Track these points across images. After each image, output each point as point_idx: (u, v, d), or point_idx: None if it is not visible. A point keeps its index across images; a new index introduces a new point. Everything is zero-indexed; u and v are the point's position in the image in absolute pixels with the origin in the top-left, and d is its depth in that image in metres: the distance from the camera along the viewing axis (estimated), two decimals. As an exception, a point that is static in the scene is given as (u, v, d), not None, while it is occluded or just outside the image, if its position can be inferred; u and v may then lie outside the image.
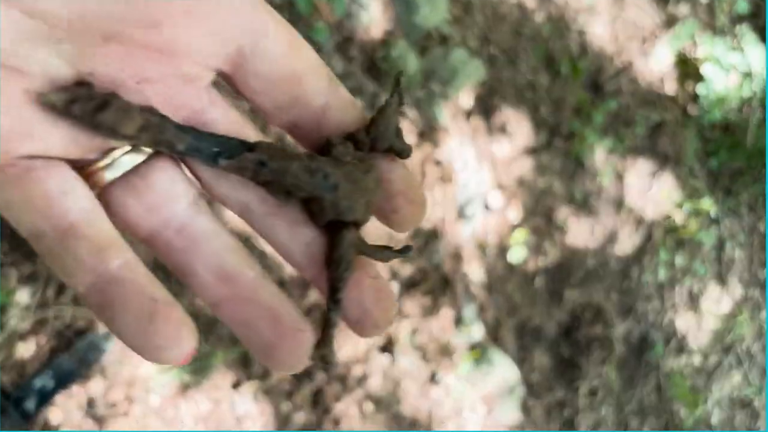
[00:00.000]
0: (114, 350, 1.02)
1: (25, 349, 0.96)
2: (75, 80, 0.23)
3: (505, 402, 1.52)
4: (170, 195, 0.25)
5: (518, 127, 1.59)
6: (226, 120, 0.26)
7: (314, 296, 1.23)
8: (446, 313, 1.43)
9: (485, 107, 1.55)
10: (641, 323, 1.91)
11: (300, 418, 1.23)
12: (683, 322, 2.03)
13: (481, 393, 1.48)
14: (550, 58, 1.68)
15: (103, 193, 0.25)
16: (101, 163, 0.25)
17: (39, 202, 0.23)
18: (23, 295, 0.96)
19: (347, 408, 1.28)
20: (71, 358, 0.98)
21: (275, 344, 0.25)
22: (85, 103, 0.22)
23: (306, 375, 1.23)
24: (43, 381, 0.97)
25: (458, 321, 1.45)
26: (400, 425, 1.37)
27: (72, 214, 0.23)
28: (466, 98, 1.50)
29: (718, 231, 2.04)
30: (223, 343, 1.12)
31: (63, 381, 0.98)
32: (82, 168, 0.25)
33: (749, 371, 2.27)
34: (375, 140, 0.27)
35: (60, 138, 0.24)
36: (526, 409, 1.63)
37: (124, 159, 0.25)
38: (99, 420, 1.01)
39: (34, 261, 0.96)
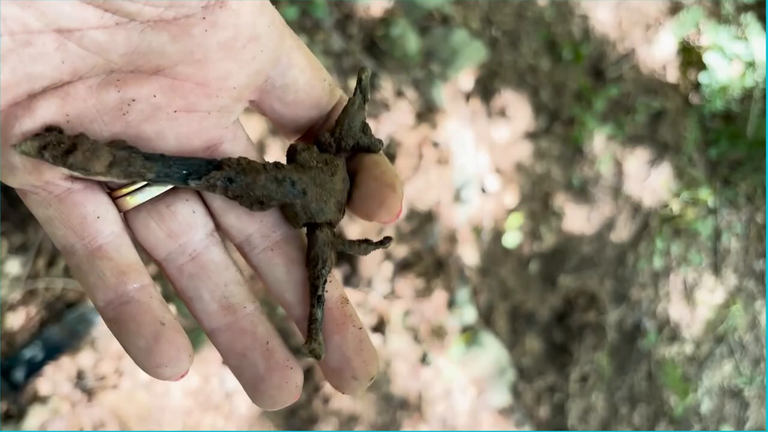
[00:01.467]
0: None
1: (15, 320, 0.96)
2: (45, 126, 0.25)
3: (495, 385, 1.52)
4: (190, 224, 0.28)
5: (518, 111, 1.58)
6: (240, 153, 0.28)
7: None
8: (439, 296, 1.43)
9: (485, 90, 1.54)
10: (635, 311, 1.92)
11: (290, 395, 1.23)
12: (677, 310, 2.03)
13: (472, 375, 1.49)
14: (553, 43, 1.66)
15: (130, 215, 0.27)
16: (132, 188, 0.27)
17: (75, 222, 0.26)
18: (14, 266, 0.95)
19: (337, 387, 1.29)
20: (61, 329, 0.98)
21: (265, 377, 0.27)
22: (54, 148, 0.24)
23: (296, 353, 1.23)
24: (33, 352, 0.97)
25: (451, 303, 1.44)
26: (390, 405, 1.37)
27: (102, 236, 0.26)
28: (465, 80, 1.49)
29: (715, 221, 2.04)
30: (214, 319, 1.12)
31: (52, 352, 0.98)
32: (114, 190, 0.27)
33: (740, 361, 2.27)
34: (339, 140, 0.29)
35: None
36: (516, 392, 1.64)
37: (153, 187, 0.27)
38: (88, 392, 1.01)
39: (26, 231, 0.95)
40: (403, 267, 1.39)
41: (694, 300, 2.07)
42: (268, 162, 0.28)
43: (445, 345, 1.43)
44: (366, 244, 0.29)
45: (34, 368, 0.97)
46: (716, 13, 1.89)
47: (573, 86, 1.68)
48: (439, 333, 1.42)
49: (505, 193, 1.55)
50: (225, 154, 0.28)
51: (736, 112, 1.91)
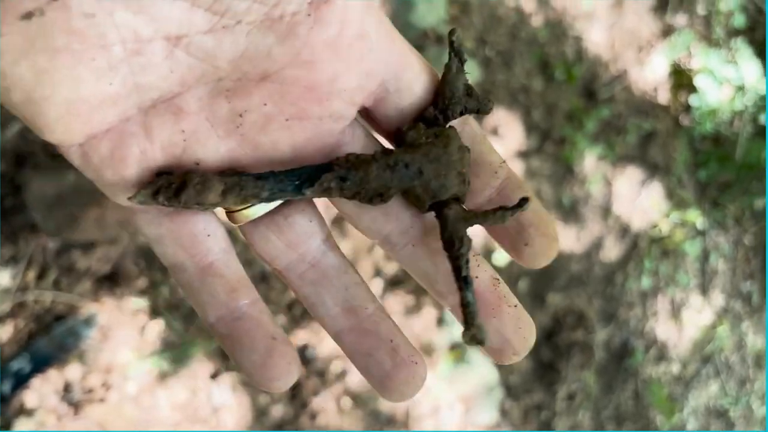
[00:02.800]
0: (94, 336, 1.02)
1: (3, 332, 0.96)
2: (157, 170, 0.25)
3: (482, 402, 1.53)
4: (308, 233, 0.28)
5: (510, 130, 1.60)
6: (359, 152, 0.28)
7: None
8: (429, 312, 1.43)
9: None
10: (622, 330, 1.93)
11: (277, 411, 1.23)
12: (664, 330, 2.04)
13: (460, 393, 1.49)
14: (546, 63, 1.68)
15: (247, 228, 0.28)
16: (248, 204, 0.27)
17: (186, 240, 0.26)
18: (4, 278, 0.95)
19: (325, 403, 1.29)
20: (49, 342, 0.98)
21: (392, 374, 0.27)
22: (166, 191, 0.24)
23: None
24: (20, 364, 0.96)
25: (440, 320, 1.45)
26: (377, 422, 1.37)
27: (212, 254, 0.27)
28: (459, 99, 1.50)
29: (703, 242, 2.06)
30: (203, 333, 1.12)
31: (40, 365, 0.98)
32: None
33: (726, 382, 2.29)
34: (445, 110, 0.27)
35: (219, 159, 0.26)
36: (503, 410, 1.64)
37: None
38: (75, 405, 1.01)
39: (16, 243, 0.96)
40: (392, 284, 1.40)
41: (681, 320, 2.08)
42: (376, 151, 0.27)
43: (433, 362, 1.44)
44: (503, 212, 0.27)
45: (21, 380, 0.97)
46: (707, 37, 1.91)
47: (565, 106, 1.70)
48: (427, 350, 1.43)
49: (495, 211, 1.56)
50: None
51: (725, 135, 1.93)
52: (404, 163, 0.26)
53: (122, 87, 0.23)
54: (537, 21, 1.67)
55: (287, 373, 0.26)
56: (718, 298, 2.17)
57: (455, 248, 0.26)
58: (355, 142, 0.28)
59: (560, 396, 1.76)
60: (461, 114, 0.27)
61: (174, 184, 0.24)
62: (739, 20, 1.89)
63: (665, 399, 2.06)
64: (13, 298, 0.96)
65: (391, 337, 0.28)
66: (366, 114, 0.28)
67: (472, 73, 1.45)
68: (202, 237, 0.26)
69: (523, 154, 1.61)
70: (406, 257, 0.28)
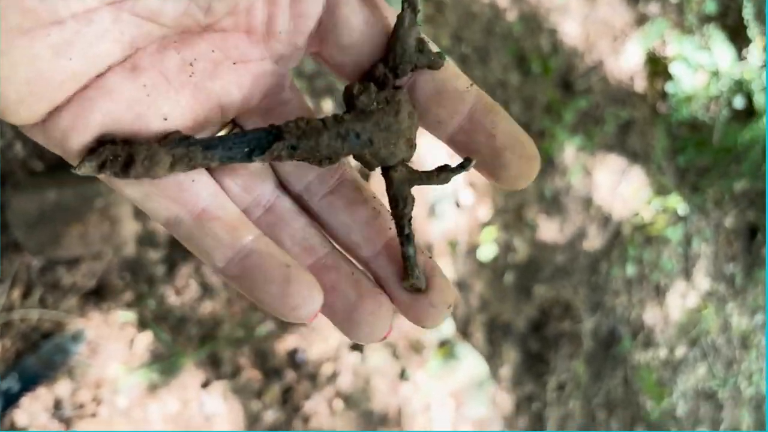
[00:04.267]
0: (82, 352, 1.02)
1: (-9, 352, 0.96)
2: (97, 139, 0.24)
3: (473, 397, 1.54)
4: (261, 176, 0.28)
5: (489, 126, 1.61)
6: (297, 102, 0.29)
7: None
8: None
9: (456, 106, 1.56)
10: (609, 318, 1.95)
11: (269, 416, 1.24)
12: (650, 316, 2.07)
13: (450, 388, 1.51)
14: (522, 57, 1.69)
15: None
16: None
17: (173, 191, 0.26)
18: (-12, 298, 0.95)
19: (317, 406, 1.29)
20: (37, 360, 0.98)
21: (358, 305, 0.27)
22: (113, 164, 0.24)
23: (275, 373, 1.24)
24: (9, 383, 0.96)
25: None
26: (370, 422, 1.38)
27: (203, 199, 0.27)
28: (437, 97, 1.51)
29: (685, 227, 2.08)
30: (192, 343, 1.12)
31: (29, 383, 0.98)
32: None
33: (714, 364, 2.32)
34: (395, 68, 0.27)
35: (181, 112, 0.26)
36: (494, 403, 1.66)
37: None
38: (66, 421, 1.01)
39: (1, 264, 0.95)
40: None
41: (666, 305, 2.11)
42: (327, 117, 0.27)
43: (423, 360, 1.45)
44: (446, 173, 0.27)
45: (10, 400, 0.97)
46: (680, 24, 1.94)
47: (543, 99, 1.71)
48: (416, 348, 1.44)
49: (479, 206, 1.57)
50: (287, 102, 0.28)
51: (702, 121, 1.96)
52: (355, 132, 0.26)
53: (80, 59, 0.23)
54: (511, 16, 1.68)
55: (309, 299, 0.26)
56: (702, 282, 2.20)
57: (400, 208, 0.27)
58: (293, 92, 0.29)
59: (550, 386, 1.78)
60: (411, 71, 0.27)
61: (120, 158, 0.24)
62: (711, 6, 1.92)
63: (654, 384, 2.09)
64: (-2, 318, 0.96)
65: (352, 271, 0.28)
66: (318, 56, 0.28)
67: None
68: (187, 184, 0.26)
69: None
70: (324, 207, 0.28)
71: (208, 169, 0.27)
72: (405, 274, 0.27)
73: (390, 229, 0.28)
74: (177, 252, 1.11)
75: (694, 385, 2.27)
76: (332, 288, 0.27)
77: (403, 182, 0.27)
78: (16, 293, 0.97)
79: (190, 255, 1.11)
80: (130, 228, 1.00)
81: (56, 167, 0.99)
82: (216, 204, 0.27)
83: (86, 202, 0.95)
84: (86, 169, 0.24)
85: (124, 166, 0.24)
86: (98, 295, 1.04)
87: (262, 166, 0.28)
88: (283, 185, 0.29)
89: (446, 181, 0.27)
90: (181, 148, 0.25)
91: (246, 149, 0.26)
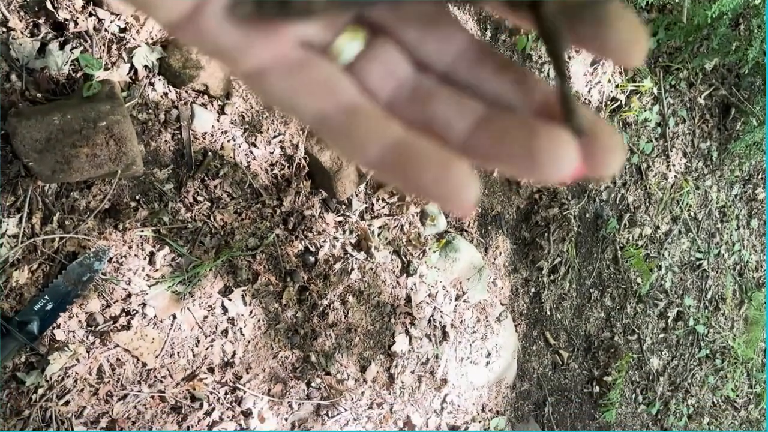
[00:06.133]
0: (107, 269, 1.08)
1: (20, 276, 1.01)
2: None
3: (473, 283, 1.63)
4: (397, 60, 0.28)
5: (464, 24, 1.63)
6: None
7: (288, 203, 1.29)
8: (412, 210, 1.51)
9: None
10: (595, 201, 2.04)
11: (289, 315, 1.31)
12: (633, 197, 2.16)
13: (451, 278, 1.59)
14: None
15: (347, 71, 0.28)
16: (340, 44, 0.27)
17: (320, 87, 0.26)
18: (9, 226, 0.99)
19: (331, 302, 1.37)
20: (66, 280, 1.04)
21: (537, 137, 0.25)
22: (270, 5, 0.24)
23: (290, 275, 1.31)
24: (42, 304, 1.02)
25: (424, 215, 1.53)
26: (382, 312, 1.47)
27: (348, 94, 0.27)
28: None
29: (660, 108, 2.15)
30: (208, 255, 1.18)
31: (61, 303, 1.03)
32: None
33: (697, 236, 2.44)
34: None
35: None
36: (494, 287, 1.75)
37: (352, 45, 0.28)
38: (101, 334, 1.08)
39: (15, 191, 0.99)
40: (376, 188, 1.46)
41: (649, 185, 2.20)
42: None
43: (423, 253, 1.53)
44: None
45: (46, 319, 1.03)
46: None
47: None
48: (417, 241, 1.51)
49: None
50: None
51: (670, 1, 1.99)
52: None
53: None
54: None
55: (467, 186, 0.25)
56: (680, 160, 2.29)
57: (554, 43, 0.25)
58: None
59: (545, 270, 1.88)
60: None
61: None
62: None
63: (642, 260, 2.20)
64: (21, 243, 1.01)
65: (518, 118, 0.26)
66: None
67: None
68: (334, 80, 0.26)
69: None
70: (471, 78, 0.27)
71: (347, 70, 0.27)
72: (566, 114, 0.26)
73: (539, 85, 0.27)
74: (182, 170, 1.15)
75: (680, 258, 2.40)
76: (504, 132, 0.26)
77: (555, 15, 0.25)
78: (36, 219, 1.02)
79: (196, 171, 1.16)
80: (136, 147, 1.04)
81: (54, 93, 1.02)
82: (362, 98, 0.27)
83: (90, 123, 0.98)
84: (242, 12, 0.23)
85: (281, 4, 0.23)
86: (113, 215, 1.09)
87: (396, 52, 0.28)
88: (423, 70, 0.28)
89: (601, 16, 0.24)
90: None
91: None
